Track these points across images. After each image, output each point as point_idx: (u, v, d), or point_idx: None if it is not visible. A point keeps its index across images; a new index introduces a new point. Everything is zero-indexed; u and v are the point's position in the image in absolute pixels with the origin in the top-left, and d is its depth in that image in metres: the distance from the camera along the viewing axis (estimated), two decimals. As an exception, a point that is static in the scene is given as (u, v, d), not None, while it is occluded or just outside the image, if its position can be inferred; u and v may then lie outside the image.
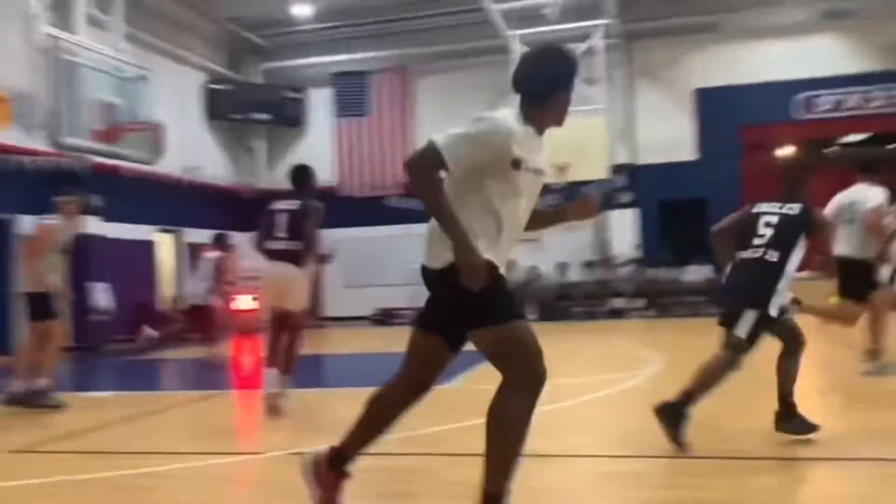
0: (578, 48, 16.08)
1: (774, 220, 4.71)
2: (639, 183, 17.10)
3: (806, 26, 16.66)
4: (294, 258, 5.84)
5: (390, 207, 17.83)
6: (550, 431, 5.05)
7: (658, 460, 4.20)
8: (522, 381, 2.86)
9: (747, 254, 4.63)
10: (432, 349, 3.08)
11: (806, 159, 5.22)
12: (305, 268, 5.92)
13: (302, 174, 6.23)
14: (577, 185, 16.67)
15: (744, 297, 4.48)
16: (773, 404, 4.53)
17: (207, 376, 9.35)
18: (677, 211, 17.29)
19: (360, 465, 4.40)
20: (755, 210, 4.85)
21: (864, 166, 6.74)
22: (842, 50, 16.50)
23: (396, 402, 3.18)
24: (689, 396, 4.33)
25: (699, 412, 5.29)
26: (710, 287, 16.00)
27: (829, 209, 6.45)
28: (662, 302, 16.31)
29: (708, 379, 4.38)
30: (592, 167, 15.77)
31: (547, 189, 14.50)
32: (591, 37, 16.02)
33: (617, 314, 16.25)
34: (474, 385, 7.13)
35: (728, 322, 4.47)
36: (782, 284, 4.46)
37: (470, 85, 17.95)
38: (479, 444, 4.62)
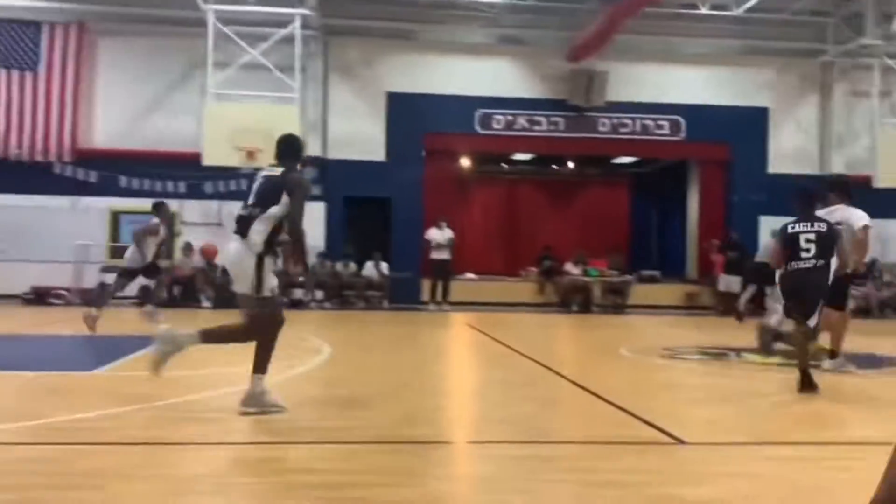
0: (274, 35, 16.00)
1: (812, 236, 6.30)
2: (328, 177, 17.35)
3: (488, 48, 18.14)
4: (242, 230, 5.03)
5: (55, 175, 16.21)
6: (208, 419, 4.92)
7: (298, 446, 4.29)
8: None
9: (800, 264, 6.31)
10: None
11: (813, 189, 7.04)
12: (250, 244, 4.98)
13: (284, 146, 5.31)
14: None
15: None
16: (425, 392, 4.82)
17: None
18: (363, 208, 17.86)
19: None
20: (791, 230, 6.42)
21: (841, 191, 7.60)
22: (516, 75, 18.20)
23: None
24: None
25: (350, 402, 5.50)
26: (385, 283, 16.78)
27: None
28: (342, 295, 16.71)
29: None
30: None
31: (234, 173, 14.02)
32: (288, 25, 15.96)
33: (296, 305, 16.32)
34: (120, 373, 6.73)
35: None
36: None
37: (160, 53, 16.94)
38: (118, 432, 4.35)
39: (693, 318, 16.20)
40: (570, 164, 21.62)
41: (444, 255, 16.71)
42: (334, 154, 17.50)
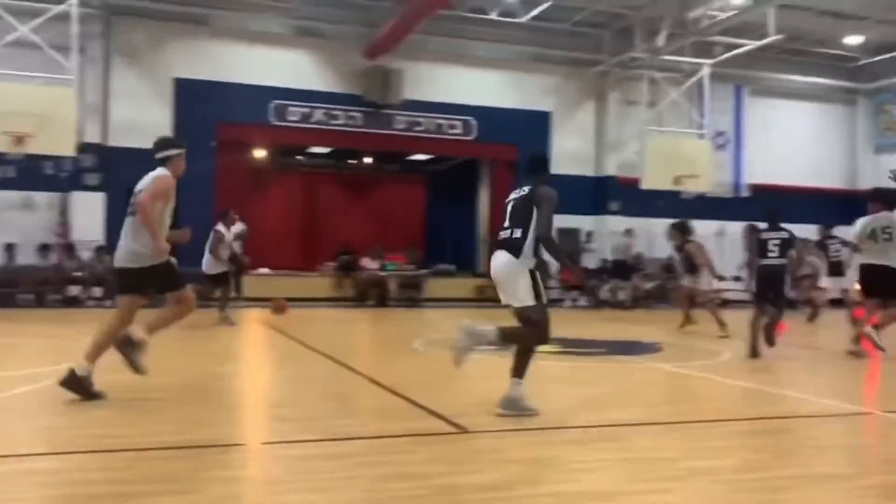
0: (48, 11, 14.74)
1: (778, 241, 8.48)
2: (109, 166, 16.27)
3: (284, 38, 17.83)
4: (511, 248, 5.30)
5: None
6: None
7: (75, 455, 4.03)
8: None
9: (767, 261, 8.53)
10: None
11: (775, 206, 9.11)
12: (523, 259, 5.24)
13: (532, 164, 5.85)
14: (37, 159, 15.24)
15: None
16: (213, 394, 4.66)
17: None
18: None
19: None
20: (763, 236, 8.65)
21: (880, 200, 8.62)
22: (313, 67, 18.05)
23: None
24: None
25: (131, 407, 5.26)
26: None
27: (858, 230, 8.55)
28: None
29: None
30: (57, 142, 14.54)
31: (1, 159, 12.74)
32: (64, 1, 14.77)
33: (72, 303, 15.18)
34: None
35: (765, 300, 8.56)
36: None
37: None
38: None
39: (483, 309, 16.90)
40: (368, 160, 21.77)
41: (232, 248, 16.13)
42: (116, 141, 16.47)
